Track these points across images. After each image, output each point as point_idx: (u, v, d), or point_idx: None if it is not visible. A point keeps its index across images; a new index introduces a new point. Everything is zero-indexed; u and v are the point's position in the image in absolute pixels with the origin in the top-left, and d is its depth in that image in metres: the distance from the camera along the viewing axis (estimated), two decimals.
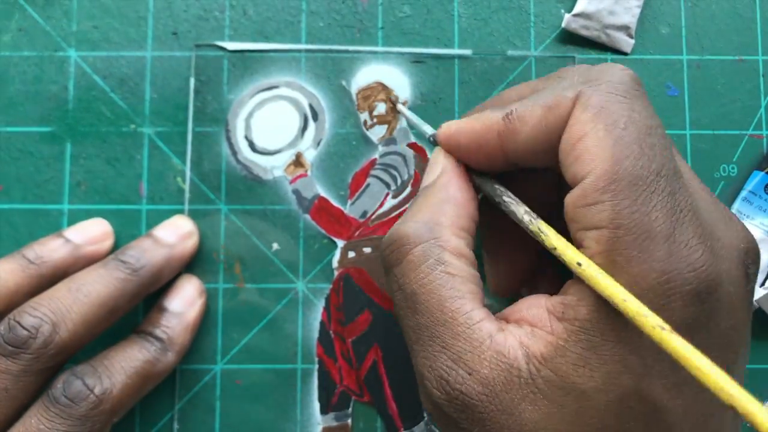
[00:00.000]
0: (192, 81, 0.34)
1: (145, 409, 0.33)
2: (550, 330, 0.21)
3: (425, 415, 0.33)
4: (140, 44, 0.35)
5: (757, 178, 0.34)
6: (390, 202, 0.34)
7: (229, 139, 0.34)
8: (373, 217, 0.34)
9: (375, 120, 0.34)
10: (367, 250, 0.34)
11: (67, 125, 0.34)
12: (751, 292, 0.22)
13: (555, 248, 0.22)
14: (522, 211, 0.24)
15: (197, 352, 0.33)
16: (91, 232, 0.32)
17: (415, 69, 0.35)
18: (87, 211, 0.34)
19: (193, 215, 0.34)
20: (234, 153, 0.34)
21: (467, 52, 0.35)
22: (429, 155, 0.32)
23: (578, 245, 0.22)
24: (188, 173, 0.34)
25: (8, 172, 0.34)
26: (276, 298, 0.34)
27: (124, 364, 0.28)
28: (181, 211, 0.34)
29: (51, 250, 0.30)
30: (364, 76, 0.35)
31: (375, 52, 0.35)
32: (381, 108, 0.35)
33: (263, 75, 0.35)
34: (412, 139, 0.34)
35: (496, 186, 0.25)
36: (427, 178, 0.26)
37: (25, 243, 0.33)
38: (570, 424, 0.20)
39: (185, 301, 0.32)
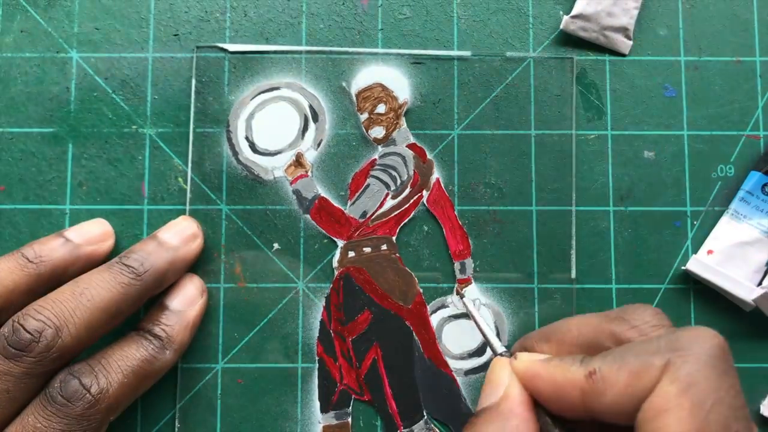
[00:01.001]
0: (193, 82, 0.35)
1: (146, 408, 0.33)
2: None
3: (425, 413, 0.33)
4: (142, 46, 0.35)
5: (754, 178, 0.34)
6: (389, 203, 0.34)
7: (230, 139, 0.34)
8: (373, 217, 0.34)
9: (375, 121, 0.35)
10: (367, 249, 0.34)
11: (69, 126, 0.34)
12: None
13: None
14: None
15: (198, 351, 0.33)
16: (91, 232, 0.32)
17: (414, 70, 0.35)
18: (89, 211, 0.34)
19: (194, 215, 0.34)
20: (235, 153, 0.34)
21: (466, 53, 0.35)
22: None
23: None
24: (189, 174, 0.34)
25: (10, 173, 0.34)
26: (276, 298, 0.34)
27: (121, 363, 0.28)
28: (182, 212, 0.34)
29: (50, 249, 0.30)
30: (364, 78, 0.35)
31: (375, 54, 0.35)
32: (381, 109, 0.35)
33: (264, 76, 0.35)
34: (412, 140, 0.35)
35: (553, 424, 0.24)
36: (486, 396, 0.25)
37: (27, 243, 0.33)
38: None
39: (186, 299, 0.32)
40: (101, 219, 0.33)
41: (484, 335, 0.27)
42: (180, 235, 0.32)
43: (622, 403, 0.22)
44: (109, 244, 0.32)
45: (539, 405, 0.24)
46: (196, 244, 0.33)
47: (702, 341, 0.22)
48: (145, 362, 0.29)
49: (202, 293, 0.32)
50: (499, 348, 0.27)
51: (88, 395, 0.26)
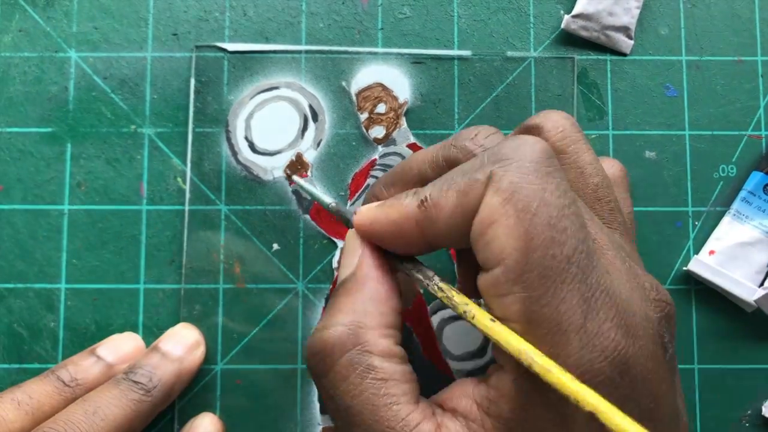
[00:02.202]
0: (192, 82, 0.34)
1: None
2: (481, 424, 0.21)
3: None
4: (140, 45, 0.35)
5: (756, 178, 0.34)
6: None
7: (229, 139, 0.34)
8: None
9: (375, 121, 0.35)
10: None
11: (68, 126, 0.34)
12: (672, 360, 0.22)
13: (465, 312, 0.22)
14: (435, 287, 0.23)
15: None
16: (124, 350, 0.31)
17: (414, 70, 0.35)
18: (87, 211, 0.34)
19: (193, 215, 0.34)
20: (234, 153, 0.34)
21: (467, 53, 0.35)
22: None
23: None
24: (188, 174, 0.34)
25: (9, 173, 0.34)
26: (276, 298, 0.34)
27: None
28: (181, 212, 0.34)
29: (84, 370, 0.29)
30: (363, 77, 0.35)
31: (375, 53, 0.35)
32: (381, 109, 0.35)
33: (263, 76, 0.35)
34: (412, 140, 0.35)
35: (411, 267, 0.25)
36: (345, 269, 0.25)
37: (26, 243, 0.33)
38: None
39: (184, 347, 0.31)
40: (133, 334, 0.33)
41: (313, 196, 0.29)
42: (182, 345, 0.31)
43: (454, 224, 0.22)
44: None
45: (393, 255, 0.25)
46: (200, 353, 0.32)
47: (523, 149, 0.21)
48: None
49: (198, 344, 0.32)
50: (328, 200, 0.28)
51: None
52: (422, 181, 0.25)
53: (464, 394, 0.22)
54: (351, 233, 0.26)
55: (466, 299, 0.23)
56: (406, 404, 0.22)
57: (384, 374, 0.22)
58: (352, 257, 0.25)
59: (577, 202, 0.21)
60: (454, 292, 0.23)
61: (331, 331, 0.23)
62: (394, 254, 0.25)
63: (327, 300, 0.34)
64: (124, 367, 0.30)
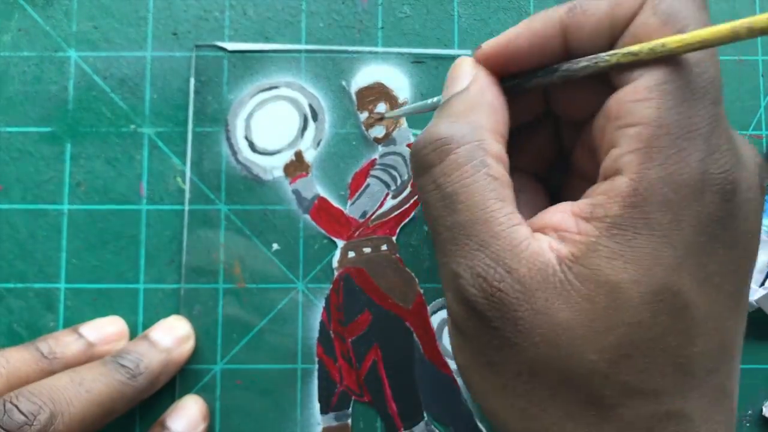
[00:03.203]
0: (192, 81, 0.34)
1: (145, 408, 0.33)
2: (577, 231, 0.21)
3: (425, 415, 0.33)
4: (140, 44, 0.35)
5: None
6: (390, 203, 0.34)
7: (229, 139, 0.34)
8: (373, 217, 0.34)
9: (375, 120, 0.34)
10: (367, 250, 0.34)
11: (67, 125, 0.34)
12: (764, 203, 0.23)
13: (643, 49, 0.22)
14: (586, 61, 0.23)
15: (197, 352, 0.33)
16: (107, 332, 0.32)
17: (415, 69, 0.35)
18: (87, 211, 0.34)
19: (193, 215, 0.34)
20: (234, 153, 0.34)
21: (467, 52, 0.35)
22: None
23: (610, 146, 0.22)
24: (188, 173, 0.34)
25: (8, 173, 0.34)
26: (276, 298, 0.34)
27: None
28: (180, 212, 0.34)
29: (64, 345, 0.30)
30: (364, 77, 0.35)
31: (375, 53, 0.35)
32: (381, 108, 0.35)
33: (263, 75, 0.35)
34: (412, 140, 0.35)
35: (543, 71, 0.24)
36: (455, 86, 0.25)
37: (25, 243, 0.33)
38: (603, 320, 0.20)
39: (189, 423, 0.31)
40: (117, 318, 0.33)
41: (418, 110, 0.29)
42: (172, 336, 0.32)
43: (600, 33, 0.23)
44: (122, 344, 0.32)
45: (505, 79, 0.25)
46: (189, 346, 0.32)
47: None
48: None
49: (204, 418, 0.32)
50: (433, 99, 0.28)
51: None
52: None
53: (557, 212, 0.23)
54: (458, 62, 0.26)
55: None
56: (510, 205, 0.22)
57: (495, 173, 0.23)
58: (463, 79, 0.25)
59: None
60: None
61: (449, 126, 0.23)
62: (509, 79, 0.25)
63: (327, 300, 0.34)
64: (105, 348, 0.31)
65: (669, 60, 0.21)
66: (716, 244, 0.21)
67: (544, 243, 0.22)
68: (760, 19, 0.19)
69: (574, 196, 0.23)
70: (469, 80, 0.25)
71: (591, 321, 0.20)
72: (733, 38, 0.20)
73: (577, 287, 0.21)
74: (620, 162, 0.21)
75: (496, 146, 0.23)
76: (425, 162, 0.24)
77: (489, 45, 0.25)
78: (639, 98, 0.21)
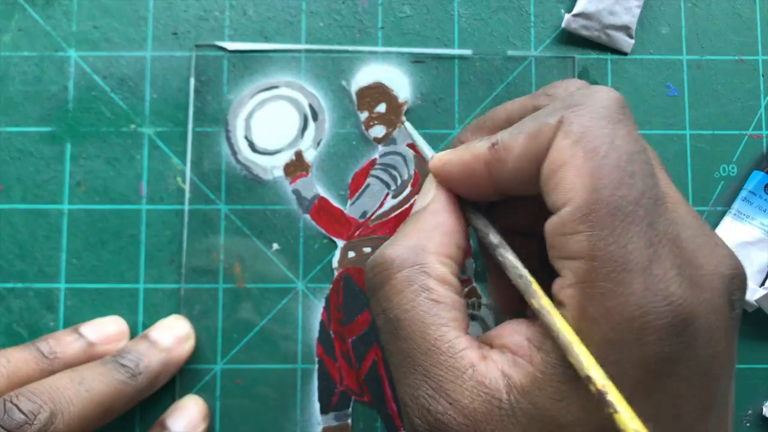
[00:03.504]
0: (192, 81, 0.34)
1: (145, 408, 0.33)
2: (529, 360, 0.21)
3: None
4: (140, 44, 0.35)
5: (757, 177, 0.34)
6: (390, 202, 0.34)
7: (229, 139, 0.34)
8: (373, 217, 0.34)
9: (375, 120, 0.34)
10: (367, 250, 0.34)
11: (67, 125, 0.34)
12: (737, 319, 0.22)
13: (520, 278, 0.23)
14: (503, 254, 0.24)
15: (197, 351, 0.33)
16: (107, 331, 0.31)
17: (415, 69, 0.35)
18: (87, 211, 0.34)
19: (193, 215, 0.34)
20: (234, 153, 0.34)
21: (467, 52, 0.35)
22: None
23: (557, 273, 0.21)
24: (188, 173, 0.34)
25: (8, 172, 0.34)
26: (276, 298, 0.34)
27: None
28: (180, 212, 0.34)
29: (65, 345, 0.30)
30: (364, 76, 0.35)
31: (375, 53, 0.35)
32: (381, 108, 0.35)
33: (263, 75, 0.35)
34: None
35: (480, 221, 0.25)
36: (418, 204, 0.26)
37: (26, 243, 0.33)
38: None
39: (189, 423, 0.31)
40: (118, 318, 0.33)
41: (418, 145, 0.30)
42: (172, 336, 0.31)
43: (523, 167, 0.23)
44: (122, 344, 0.32)
45: (463, 201, 0.26)
46: (189, 345, 0.32)
47: (596, 96, 0.22)
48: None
49: (204, 418, 0.32)
50: (430, 153, 0.28)
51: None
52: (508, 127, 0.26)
53: (515, 332, 0.22)
54: (429, 177, 0.27)
55: (514, 256, 0.23)
56: (454, 329, 0.22)
57: (437, 296, 0.23)
58: (426, 195, 0.26)
59: (648, 152, 0.22)
60: (507, 252, 0.24)
61: (393, 248, 0.24)
62: (465, 201, 0.26)
63: (327, 300, 0.34)
64: (105, 348, 0.31)
65: (590, 179, 0.20)
66: (668, 380, 0.20)
67: (495, 367, 0.21)
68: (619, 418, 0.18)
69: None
70: (431, 198, 0.25)
71: None
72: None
73: (523, 424, 0.20)
74: (563, 294, 0.21)
75: (440, 269, 0.23)
76: (371, 284, 0.24)
77: (434, 161, 0.26)
78: (568, 232, 0.20)
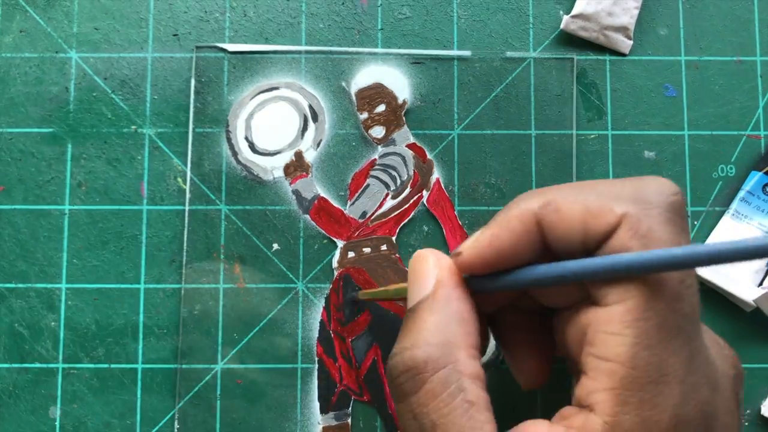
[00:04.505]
0: (192, 82, 0.35)
1: (146, 408, 0.33)
2: None
3: None
4: (141, 45, 0.35)
5: (755, 178, 0.34)
6: (389, 203, 0.34)
7: (229, 139, 0.34)
8: (373, 217, 0.34)
9: (374, 121, 0.35)
10: (367, 250, 0.34)
11: (68, 126, 0.34)
12: (741, 416, 0.23)
13: None
14: None
15: (198, 351, 0.33)
16: None
17: (414, 70, 0.35)
18: (88, 211, 0.34)
19: (194, 215, 0.34)
20: (234, 154, 0.34)
21: (466, 53, 0.35)
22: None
23: (583, 369, 0.21)
24: (189, 174, 0.34)
25: (9, 173, 0.34)
26: (276, 298, 0.34)
27: None
28: (181, 212, 0.34)
29: None
30: (363, 78, 0.35)
31: (374, 54, 0.35)
32: (381, 108, 0.35)
33: (263, 76, 0.35)
34: (412, 140, 0.35)
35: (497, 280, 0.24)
36: (419, 288, 0.24)
37: (27, 243, 0.34)
38: None
39: None
40: None
41: (388, 297, 0.28)
42: None
43: (574, 236, 0.22)
44: None
45: (470, 278, 0.24)
46: None
47: (663, 195, 0.21)
48: None
49: None
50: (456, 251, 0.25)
51: None
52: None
53: None
54: (419, 257, 0.25)
55: None
56: (488, 430, 0.22)
57: (473, 397, 0.22)
58: (426, 278, 0.24)
59: None
60: None
61: (422, 350, 0.22)
62: (470, 277, 0.24)
63: (327, 300, 0.34)
64: None
65: (648, 286, 0.20)
66: None
67: None
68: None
69: (563, 328, 0.23)
70: (433, 283, 0.24)
71: None
72: None
73: None
74: (594, 398, 0.20)
75: (470, 364, 0.22)
76: (401, 391, 0.23)
77: (469, 252, 0.24)
78: (613, 331, 0.20)
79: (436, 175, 0.35)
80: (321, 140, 0.35)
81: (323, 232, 0.34)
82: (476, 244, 0.23)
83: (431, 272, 0.24)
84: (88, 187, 0.34)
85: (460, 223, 0.34)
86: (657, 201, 0.21)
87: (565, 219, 0.22)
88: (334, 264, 0.34)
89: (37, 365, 0.33)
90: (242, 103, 0.35)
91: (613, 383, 0.20)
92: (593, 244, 0.21)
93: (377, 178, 0.34)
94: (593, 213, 0.21)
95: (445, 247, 0.34)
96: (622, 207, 0.21)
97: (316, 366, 0.33)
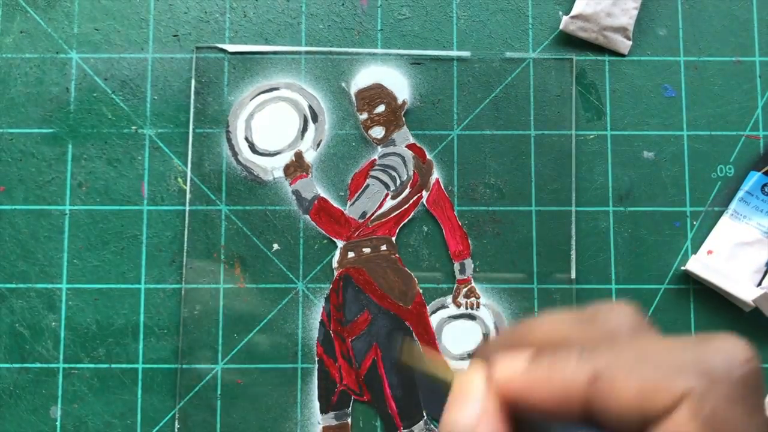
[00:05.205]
0: (193, 83, 0.35)
1: (146, 408, 0.33)
2: None
3: (424, 414, 0.33)
4: (141, 46, 0.35)
5: (753, 178, 0.34)
6: (389, 203, 0.34)
7: (229, 140, 0.34)
8: (373, 217, 0.34)
9: (374, 121, 0.35)
10: (367, 250, 0.34)
11: (69, 127, 0.34)
12: None
13: None
14: None
15: (198, 351, 0.33)
16: None
17: (414, 70, 0.35)
18: (88, 211, 0.34)
19: (194, 215, 0.34)
20: (234, 154, 0.34)
21: (466, 53, 0.35)
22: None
23: None
24: (189, 174, 0.34)
25: (10, 174, 0.34)
26: (276, 298, 0.34)
27: None
28: (182, 213, 0.34)
29: None
30: (363, 78, 0.35)
31: (374, 54, 0.35)
32: (380, 109, 0.35)
33: (263, 77, 0.35)
34: (411, 140, 0.35)
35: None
36: (461, 416, 0.22)
37: (27, 243, 0.34)
38: None
39: None
40: None
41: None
42: None
43: (627, 414, 0.20)
44: None
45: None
46: None
47: (733, 364, 0.19)
48: None
49: None
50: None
51: None
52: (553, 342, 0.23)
53: None
54: (472, 372, 0.22)
55: None
56: None
57: None
58: (472, 404, 0.22)
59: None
60: None
61: None
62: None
63: (327, 300, 0.34)
64: None
65: None
66: None
67: None
68: None
69: None
70: (476, 412, 0.21)
71: None
72: None
73: None
74: None
75: None
76: None
77: (501, 374, 0.21)
78: None
79: (435, 175, 0.35)
80: (321, 141, 0.35)
81: (323, 232, 0.34)
82: (515, 374, 0.22)
83: (475, 399, 0.22)
84: (88, 187, 0.34)
85: (459, 223, 0.34)
86: (724, 373, 0.19)
87: (619, 399, 0.20)
88: (334, 264, 0.34)
89: (38, 365, 0.33)
90: (242, 104, 0.35)
91: None
92: (648, 421, 0.19)
93: (377, 178, 0.34)
94: (651, 389, 0.19)
95: (444, 246, 0.34)
96: (683, 382, 0.19)
97: (316, 366, 0.34)
